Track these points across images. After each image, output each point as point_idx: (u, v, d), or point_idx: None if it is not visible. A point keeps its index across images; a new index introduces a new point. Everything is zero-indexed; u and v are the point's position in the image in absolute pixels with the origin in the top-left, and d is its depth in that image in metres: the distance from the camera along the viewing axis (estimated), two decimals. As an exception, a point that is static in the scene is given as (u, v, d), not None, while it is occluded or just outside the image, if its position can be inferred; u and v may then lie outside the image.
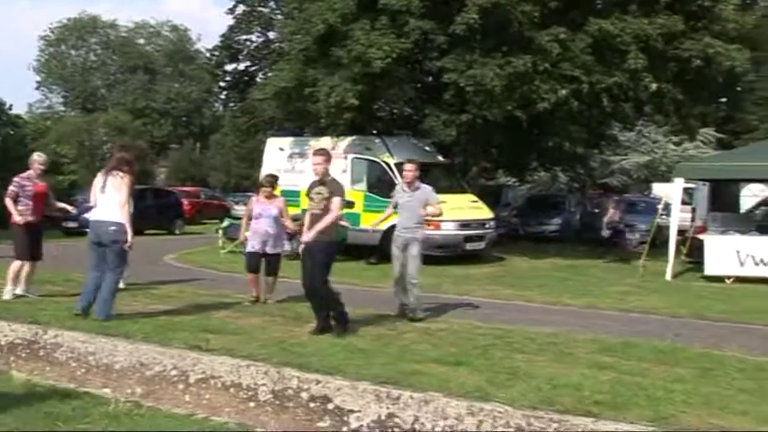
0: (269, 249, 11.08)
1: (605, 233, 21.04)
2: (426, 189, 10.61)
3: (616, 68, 17.69)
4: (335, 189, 8.99)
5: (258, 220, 11.15)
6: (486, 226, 18.66)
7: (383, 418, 5.83)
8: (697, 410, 6.00)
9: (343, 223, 17.95)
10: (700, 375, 7.25)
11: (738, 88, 34.03)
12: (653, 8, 18.07)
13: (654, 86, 18.00)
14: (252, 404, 6.23)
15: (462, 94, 17.91)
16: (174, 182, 48.92)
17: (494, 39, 18.02)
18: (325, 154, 9.32)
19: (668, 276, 15.69)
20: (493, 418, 5.77)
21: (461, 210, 18.18)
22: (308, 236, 9.02)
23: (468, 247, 18.14)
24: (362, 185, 18.74)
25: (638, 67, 17.40)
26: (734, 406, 6.16)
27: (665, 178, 20.42)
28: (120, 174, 9.27)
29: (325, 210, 8.94)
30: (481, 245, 18.50)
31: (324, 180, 9.05)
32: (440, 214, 11.07)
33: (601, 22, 17.55)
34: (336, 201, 8.92)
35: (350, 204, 18.49)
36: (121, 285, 10.30)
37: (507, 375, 7.00)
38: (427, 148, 20.27)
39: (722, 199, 20.24)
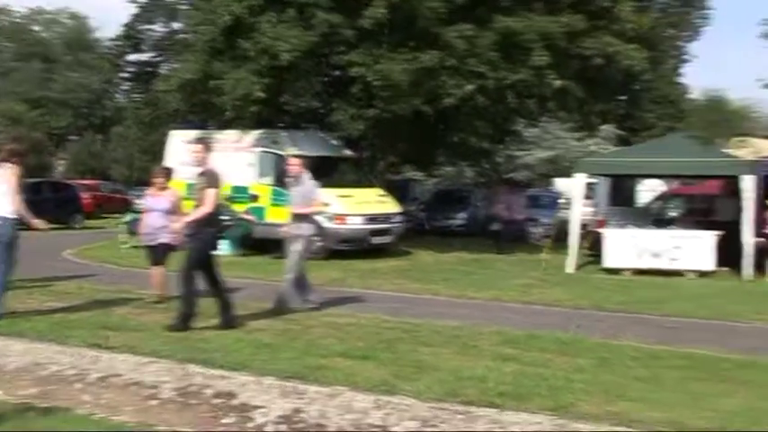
0: (151, 242, 10.77)
1: (494, 226, 21.51)
2: (309, 184, 10.56)
3: (521, 65, 17.97)
4: (211, 180, 8.75)
5: (150, 213, 10.87)
6: (393, 220, 18.74)
7: (289, 413, 5.78)
8: (595, 398, 6.17)
9: (247, 217, 17.94)
10: (598, 365, 7.47)
11: (637, 87, 35.16)
12: (556, 7, 18.45)
13: (557, 83, 18.37)
14: (154, 402, 6.07)
15: (370, 88, 17.94)
16: (73, 175, 47.37)
17: (401, 34, 18.09)
18: (204, 143, 9.12)
19: (570, 269, 16.07)
20: (399, 411, 5.81)
21: (368, 204, 18.22)
22: (177, 225, 8.86)
23: (375, 240, 18.18)
24: (270, 179, 18.56)
25: (542, 64, 17.73)
26: (629, 393, 6.36)
27: (568, 173, 20.95)
28: (9, 165, 8.95)
29: (201, 201, 8.71)
30: (388, 239, 18.57)
31: (203, 171, 8.84)
32: (317, 213, 10.90)
33: (506, 19, 17.81)
34: (210, 193, 8.68)
35: (254, 198, 18.36)
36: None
37: (413, 368, 7.06)
38: (335, 142, 20.23)
39: (621, 194, 20.87)
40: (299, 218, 10.38)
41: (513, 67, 17.97)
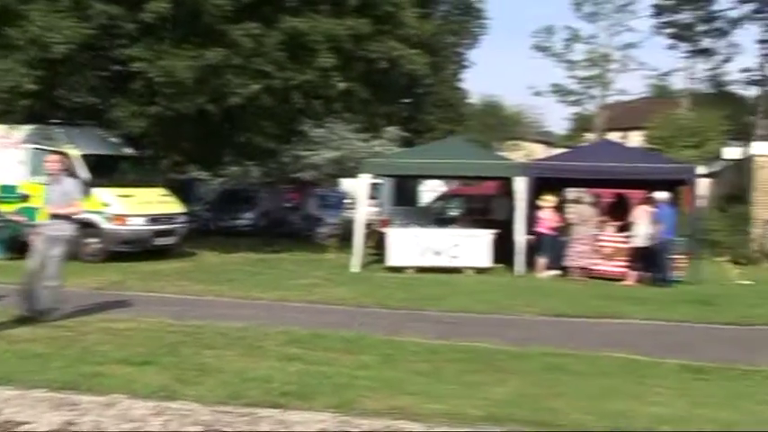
0: None
1: (261, 223, 21.62)
2: (68, 183, 10.03)
3: (307, 66, 18.04)
4: None
5: None
6: (177, 220, 18.21)
7: (59, 426, 5.43)
8: (378, 394, 6.29)
9: (17, 218, 16.77)
10: (382, 361, 7.63)
11: (420, 90, 36.39)
12: (342, 10, 18.68)
13: (342, 85, 18.64)
14: None
15: (152, 84, 17.33)
16: None
17: (185, 29, 17.58)
18: None
19: (355, 268, 16.33)
20: (180, 417, 5.66)
21: (150, 204, 17.59)
22: None
23: (158, 242, 17.58)
24: (42, 178, 17.43)
25: (328, 65, 17.91)
26: (411, 388, 6.55)
27: (354, 174, 21.35)
28: None
29: None
30: (171, 240, 18.02)
31: None
32: (76, 213, 10.28)
33: (293, 20, 17.81)
34: None
35: (25, 198, 17.20)
36: None
37: (196, 372, 6.90)
38: (115, 140, 19.32)
39: (405, 194, 21.56)
40: (57, 219, 9.73)
41: (299, 68, 18.01)
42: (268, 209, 22.60)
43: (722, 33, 50.07)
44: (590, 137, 48.42)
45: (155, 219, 17.50)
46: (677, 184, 16.89)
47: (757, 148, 23.09)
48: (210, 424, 5.52)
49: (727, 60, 50.97)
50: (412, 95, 38.46)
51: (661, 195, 15.41)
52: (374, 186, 19.58)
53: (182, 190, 21.13)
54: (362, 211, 17.17)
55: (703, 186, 24.28)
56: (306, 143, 29.13)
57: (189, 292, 12.71)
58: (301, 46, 17.97)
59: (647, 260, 15.34)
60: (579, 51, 50.56)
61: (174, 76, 16.69)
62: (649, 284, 14.94)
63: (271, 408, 5.89)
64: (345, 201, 24.61)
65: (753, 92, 51.92)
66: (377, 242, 17.90)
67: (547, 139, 59.68)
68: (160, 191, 18.47)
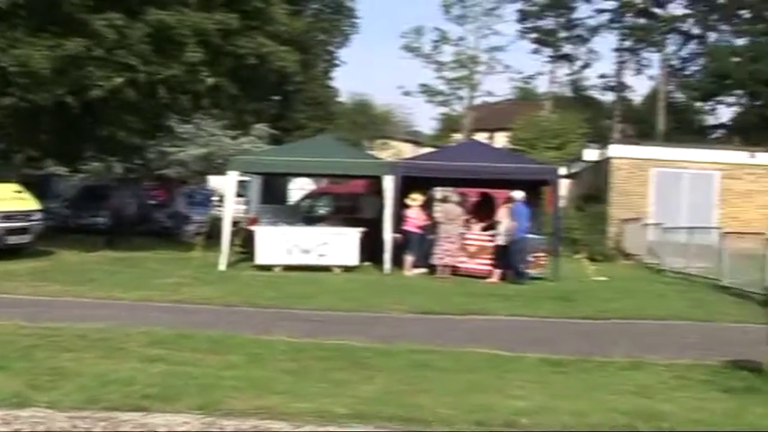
0: None
1: (107, 222, 21.13)
2: None
3: (174, 60, 17.64)
4: None
5: None
6: (32, 218, 17.39)
7: None
8: (245, 394, 6.19)
9: None
10: (249, 361, 7.52)
11: (290, 88, 36.24)
12: (211, 4, 18.34)
13: (210, 81, 18.32)
14: None
15: (5, 74, 16.48)
16: None
17: (42, 17, 16.83)
18: None
19: (222, 267, 16.07)
20: (32, 425, 5.36)
21: (3, 201, 16.73)
22: None
23: (11, 240, 16.73)
24: None
25: (196, 60, 17.57)
26: (278, 387, 6.48)
27: (222, 171, 21.03)
28: None
29: None
30: (26, 238, 17.19)
31: None
32: None
33: (159, 12, 17.34)
34: None
35: None
36: None
37: (52, 376, 6.58)
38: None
39: (273, 192, 21.38)
40: None
41: (165, 62, 17.59)
42: (117, 206, 21.74)
43: (582, 40, 52.49)
44: (457, 137, 49.60)
45: (7, 216, 16.64)
46: (540, 185, 17.50)
47: (613, 150, 24.23)
48: (67, 431, 5.28)
49: (586, 66, 53.50)
50: (281, 93, 38.24)
51: (517, 194, 15.90)
52: (242, 184, 19.32)
53: (38, 186, 20.25)
54: (230, 209, 16.91)
55: (564, 186, 25.31)
56: (172, 139, 28.49)
57: (45, 293, 12.14)
58: (168, 39, 17.53)
59: (508, 258, 15.80)
60: (447, 53, 51.69)
61: (30, 66, 15.96)
62: (512, 282, 15.39)
63: (132, 411, 5.69)
64: (213, 198, 24.18)
65: (609, 97, 54.63)
66: (245, 240, 17.67)
67: (415, 139, 60.62)
68: (13, 187, 17.60)
